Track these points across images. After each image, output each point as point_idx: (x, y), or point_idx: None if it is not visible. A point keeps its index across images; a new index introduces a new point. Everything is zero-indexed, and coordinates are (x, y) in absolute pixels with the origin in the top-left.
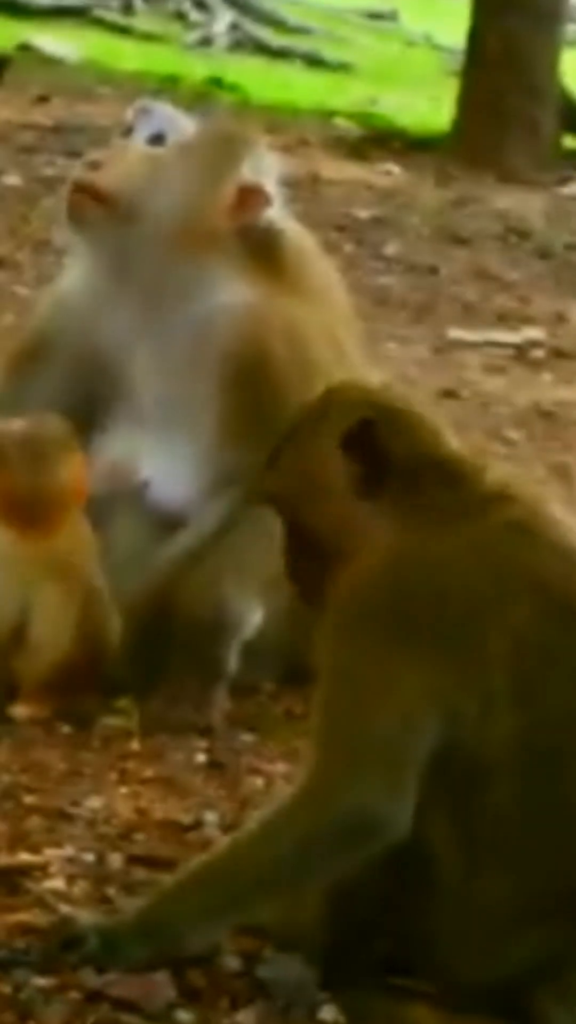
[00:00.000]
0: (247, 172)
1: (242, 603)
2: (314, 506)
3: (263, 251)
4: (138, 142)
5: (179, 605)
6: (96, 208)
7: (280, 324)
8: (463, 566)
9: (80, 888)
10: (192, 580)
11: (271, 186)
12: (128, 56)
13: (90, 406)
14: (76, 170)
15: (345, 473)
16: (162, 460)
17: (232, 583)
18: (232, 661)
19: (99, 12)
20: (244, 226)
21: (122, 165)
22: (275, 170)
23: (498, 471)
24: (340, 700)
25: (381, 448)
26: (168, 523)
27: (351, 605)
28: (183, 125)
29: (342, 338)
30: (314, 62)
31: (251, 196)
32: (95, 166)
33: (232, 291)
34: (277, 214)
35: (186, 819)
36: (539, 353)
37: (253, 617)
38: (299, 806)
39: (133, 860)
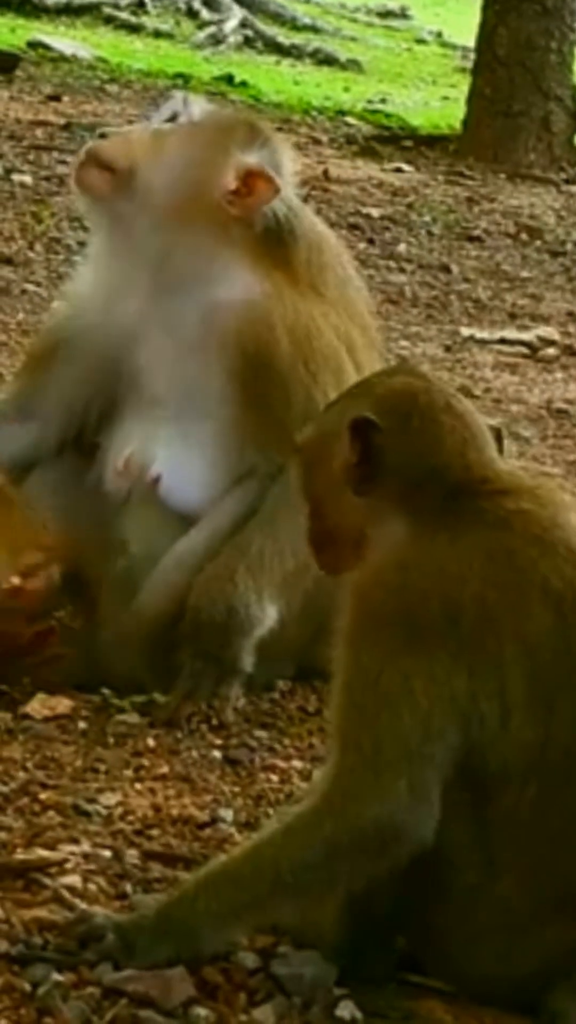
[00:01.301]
0: (252, 159)
1: (257, 602)
2: (316, 478)
3: (276, 244)
4: (155, 123)
5: (194, 603)
6: (101, 176)
7: (288, 319)
8: (479, 575)
9: (96, 884)
10: (207, 579)
11: (283, 177)
12: (139, 54)
13: (105, 403)
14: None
15: (342, 459)
16: (174, 455)
17: (247, 582)
18: (247, 660)
19: (110, 10)
20: (252, 214)
21: (129, 138)
22: (289, 164)
23: (519, 476)
24: (360, 707)
25: (375, 448)
26: (182, 517)
27: (367, 610)
28: (193, 107)
29: (353, 335)
30: (325, 60)
31: (256, 182)
32: (105, 136)
33: (242, 284)
34: (297, 210)
35: (202, 816)
36: (551, 351)
37: (268, 616)
38: (323, 814)
39: (149, 856)
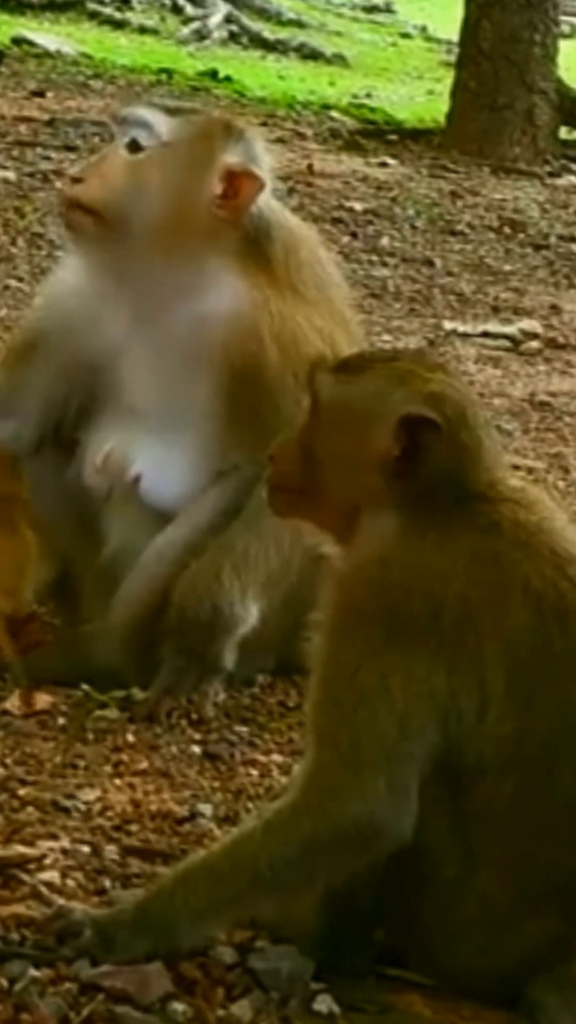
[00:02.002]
0: (232, 158)
1: (241, 601)
2: (338, 444)
3: (257, 246)
4: (119, 150)
5: (177, 600)
6: (87, 219)
7: (273, 325)
8: (463, 574)
9: (75, 880)
10: (192, 576)
11: (263, 171)
12: (123, 50)
13: (84, 399)
14: (64, 188)
15: (382, 446)
16: (155, 456)
17: (232, 581)
18: (229, 658)
19: (94, 6)
20: (241, 215)
21: (103, 176)
22: (266, 155)
23: (511, 482)
24: (338, 703)
25: (427, 455)
26: (160, 517)
27: (349, 604)
28: (158, 127)
29: (336, 335)
30: (310, 55)
31: (240, 181)
32: (78, 180)
33: (226, 290)
34: (272, 208)
35: (181, 811)
36: (534, 344)
37: (251, 615)
38: (302, 810)
39: (128, 852)
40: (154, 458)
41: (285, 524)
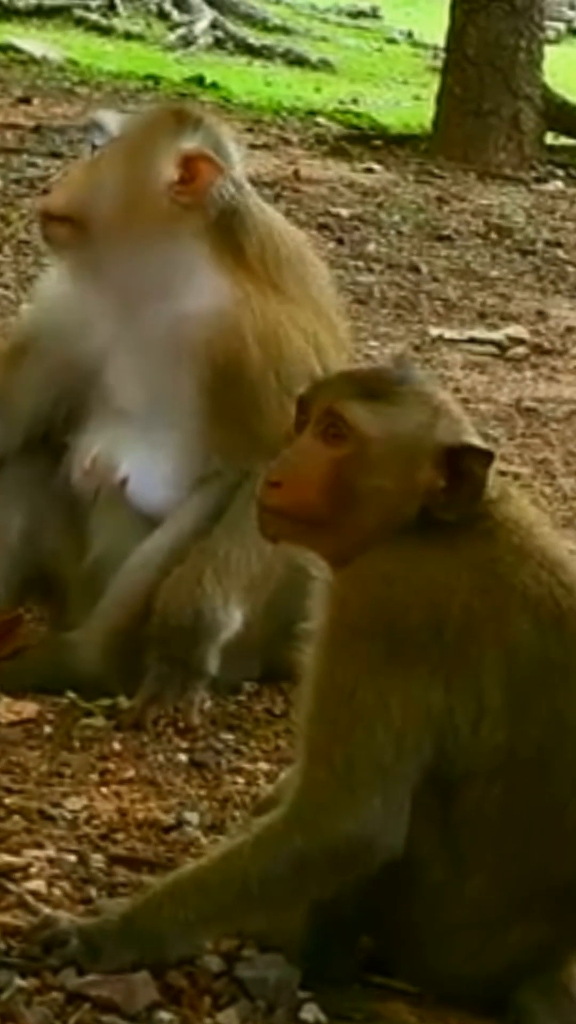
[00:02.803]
0: (186, 145)
1: (224, 607)
2: (384, 474)
3: (231, 238)
4: (83, 157)
5: (159, 607)
6: (60, 228)
7: (255, 322)
8: (466, 586)
9: (61, 889)
10: (174, 582)
11: (226, 158)
12: (110, 56)
13: (74, 404)
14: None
15: (430, 476)
16: (141, 458)
17: (214, 586)
18: (213, 664)
19: (81, 12)
20: (203, 198)
21: (65, 183)
22: (231, 144)
23: (498, 486)
24: (333, 720)
25: (472, 483)
26: (148, 519)
27: (347, 620)
28: (110, 126)
29: (321, 336)
30: (296, 61)
31: (196, 165)
32: (47, 191)
33: (206, 288)
34: (246, 200)
35: (167, 819)
36: (521, 350)
37: (234, 620)
38: (293, 826)
39: (114, 860)
40: (141, 460)
41: None
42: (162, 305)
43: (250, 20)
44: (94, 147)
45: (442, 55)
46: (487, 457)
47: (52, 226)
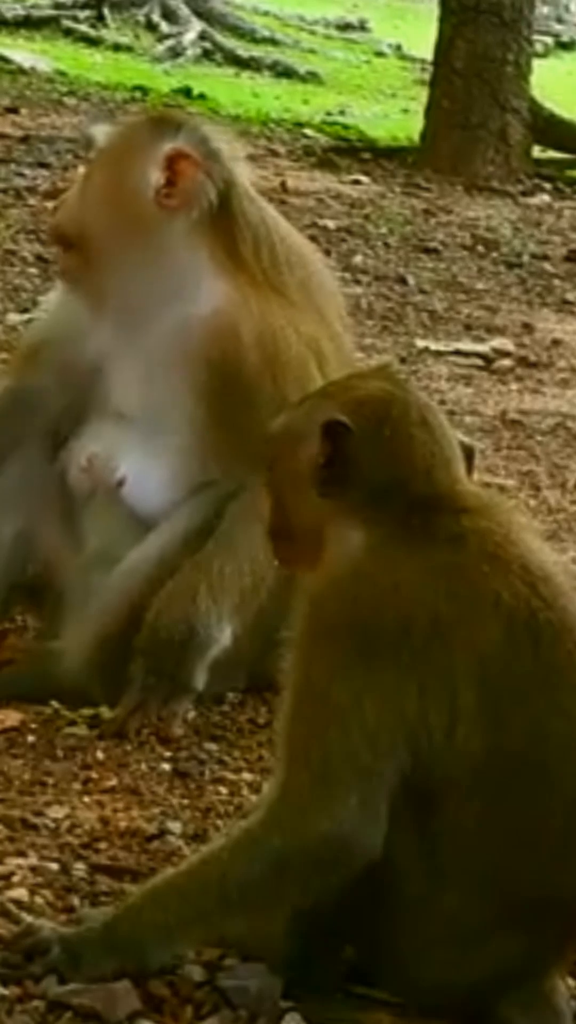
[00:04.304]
0: (168, 146)
1: (217, 623)
2: (282, 471)
3: (234, 245)
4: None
5: (151, 620)
6: (69, 257)
7: (253, 324)
8: (432, 588)
9: (43, 897)
10: (168, 596)
11: (215, 157)
12: (98, 67)
13: (76, 406)
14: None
15: (311, 460)
16: (139, 460)
17: (208, 602)
18: (200, 679)
19: (69, 23)
20: (189, 198)
21: (66, 200)
22: (222, 144)
23: (479, 495)
24: (309, 721)
25: (344, 452)
26: (140, 524)
27: (320, 620)
28: (98, 137)
29: (323, 343)
30: (284, 72)
31: (178, 164)
32: (55, 210)
33: (204, 290)
34: (241, 201)
35: (150, 828)
36: (506, 362)
37: (225, 635)
38: (271, 829)
39: (96, 869)
40: (138, 462)
41: (258, 542)
42: (161, 309)
43: (238, 32)
44: (87, 160)
45: (430, 68)
46: (345, 430)
47: (64, 258)
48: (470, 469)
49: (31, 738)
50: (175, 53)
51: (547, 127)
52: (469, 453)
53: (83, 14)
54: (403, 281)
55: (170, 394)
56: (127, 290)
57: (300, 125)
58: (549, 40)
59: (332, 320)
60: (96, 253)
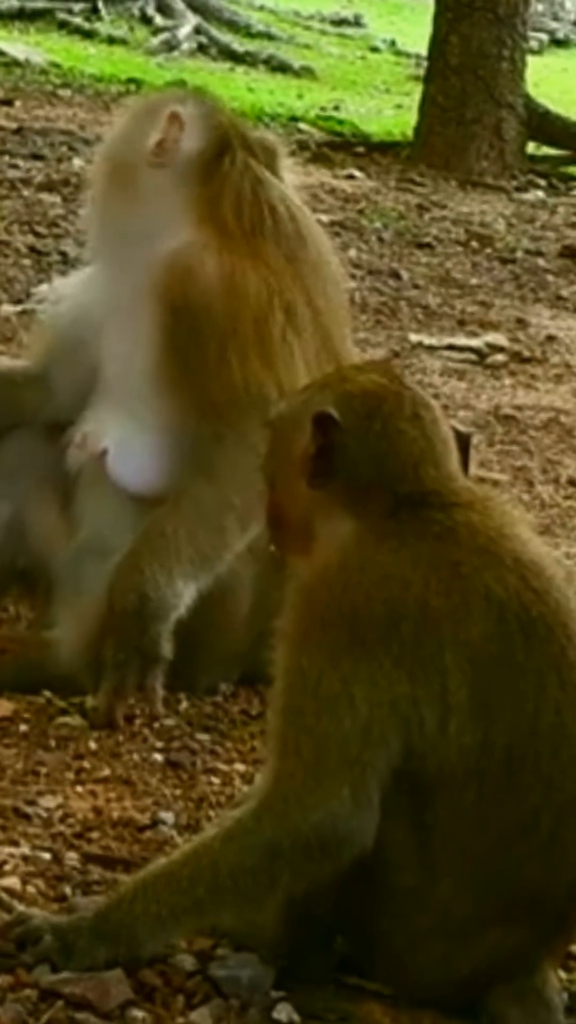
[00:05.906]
0: (170, 109)
1: (168, 585)
2: (276, 459)
3: (213, 200)
4: None
5: (108, 596)
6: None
7: (211, 267)
8: (422, 580)
9: (36, 887)
10: (117, 570)
11: (208, 120)
12: (92, 60)
13: (80, 384)
14: None
15: (302, 448)
16: (120, 427)
17: (151, 567)
18: (166, 646)
19: (64, 16)
20: (170, 155)
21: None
22: (223, 114)
23: (471, 490)
24: (300, 711)
25: (334, 444)
26: (130, 497)
27: (310, 610)
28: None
29: (294, 301)
30: (278, 67)
31: (171, 125)
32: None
33: (171, 238)
34: (241, 165)
35: (142, 818)
36: (500, 357)
37: (183, 598)
38: (263, 818)
39: (89, 859)
40: (120, 429)
41: (217, 499)
42: (134, 258)
43: (233, 26)
44: None
45: (425, 64)
46: (334, 422)
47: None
48: (465, 458)
49: (23, 728)
50: (170, 47)
51: (542, 123)
52: (465, 442)
53: (78, 7)
54: (397, 276)
55: (135, 344)
56: (115, 244)
57: (294, 120)
58: (544, 37)
59: (312, 287)
60: (96, 201)
